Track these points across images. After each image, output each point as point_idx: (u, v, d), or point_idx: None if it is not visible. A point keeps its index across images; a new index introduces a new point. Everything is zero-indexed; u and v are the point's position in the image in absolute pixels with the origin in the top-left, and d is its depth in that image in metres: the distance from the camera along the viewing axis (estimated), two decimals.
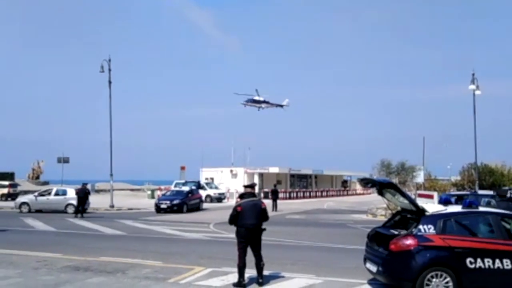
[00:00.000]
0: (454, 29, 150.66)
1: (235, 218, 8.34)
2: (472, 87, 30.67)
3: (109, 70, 30.62)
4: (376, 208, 26.51)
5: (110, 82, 30.88)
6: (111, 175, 30.82)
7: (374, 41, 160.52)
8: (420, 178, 31.73)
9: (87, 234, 16.70)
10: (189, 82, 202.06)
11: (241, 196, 8.73)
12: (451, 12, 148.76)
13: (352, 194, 59.23)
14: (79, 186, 25.03)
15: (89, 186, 26.16)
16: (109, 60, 30.66)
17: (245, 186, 8.89)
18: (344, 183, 64.38)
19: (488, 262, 7.32)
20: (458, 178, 39.68)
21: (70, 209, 24.87)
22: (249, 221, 8.25)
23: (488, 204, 15.44)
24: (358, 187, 64.14)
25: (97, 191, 48.19)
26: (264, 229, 8.52)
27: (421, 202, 8.26)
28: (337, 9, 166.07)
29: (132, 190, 57.76)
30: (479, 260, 7.30)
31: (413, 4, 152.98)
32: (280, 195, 37.10)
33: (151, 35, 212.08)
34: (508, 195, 21.50)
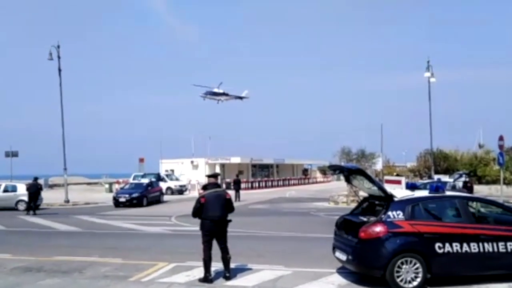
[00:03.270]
0: (412, 18, 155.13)
1: (199, 210, 7.94)
2: (427, 74, 31.61)
3: (58, 57, 29.02)
4: (338, 195, 26.81)
5: (60, 70, 29.31)
6: (65, 168, 29.48)
7: (332, 30, 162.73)
8: (379, 164, 32.42)
9: (40, 232, 15.72)
10: (147, 72, 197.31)
11: (204, 187, 8.30)
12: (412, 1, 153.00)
13: (313, 183, 59.98)
14: (30, 181, 23.70)
15: (41, 181, 24.74)
16: (58, 47, 29.02)
17: (208, 176, 8.50)
18: (305, 172, 65.24)
19: (456, 246, 7.30)
20: (414, 164, 40.93)
21: (21, 206, 23.58)
22: (213, 212, 7.87)
23: (453, 188, 15.81)
24: (319, 175, 65.20)
25: (51, 186, 46.11)
26: (230, 221, 8.16)
27: (388, 187, 8.13)
28: None
29: (88, 184, 55.86)
30: (447, 244, 7.27)
31: None
32: (242, 185, 36.89)
33: (106, 22, 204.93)
34: (463, 179, 22.39)
